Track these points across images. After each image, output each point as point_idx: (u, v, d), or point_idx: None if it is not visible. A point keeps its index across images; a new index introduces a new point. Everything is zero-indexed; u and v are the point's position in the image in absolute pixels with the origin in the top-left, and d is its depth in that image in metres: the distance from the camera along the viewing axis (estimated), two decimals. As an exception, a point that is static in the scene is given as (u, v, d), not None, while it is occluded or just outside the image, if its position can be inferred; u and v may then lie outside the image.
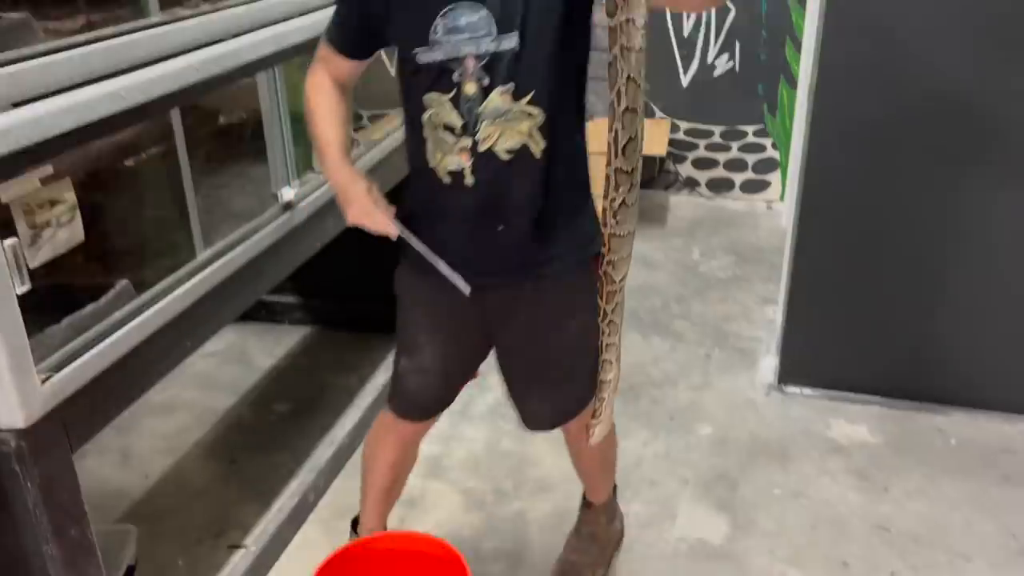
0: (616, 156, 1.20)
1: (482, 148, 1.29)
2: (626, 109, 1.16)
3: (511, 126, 1.27)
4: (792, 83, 3.48)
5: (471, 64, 1.25)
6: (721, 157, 3.74)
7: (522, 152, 1.29)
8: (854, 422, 2.19)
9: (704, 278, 3.07)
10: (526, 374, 1.50)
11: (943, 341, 2.18)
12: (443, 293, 1.34)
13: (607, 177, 1.23)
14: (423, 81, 1.29)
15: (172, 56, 1.33)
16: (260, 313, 2.64)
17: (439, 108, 1.29)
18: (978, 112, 1.96)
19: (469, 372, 1.54)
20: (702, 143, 3.73)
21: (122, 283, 1.31)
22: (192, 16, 1.41)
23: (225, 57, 1.44)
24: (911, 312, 2.17)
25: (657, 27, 3.56)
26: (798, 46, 3.34)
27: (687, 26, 3.55)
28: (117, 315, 1.27)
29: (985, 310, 2.12)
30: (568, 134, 1.34)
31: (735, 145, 3.69)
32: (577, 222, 1.38)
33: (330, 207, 1.88)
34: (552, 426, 1.55)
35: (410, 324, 1.50)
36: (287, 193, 1.68)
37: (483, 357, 1.52)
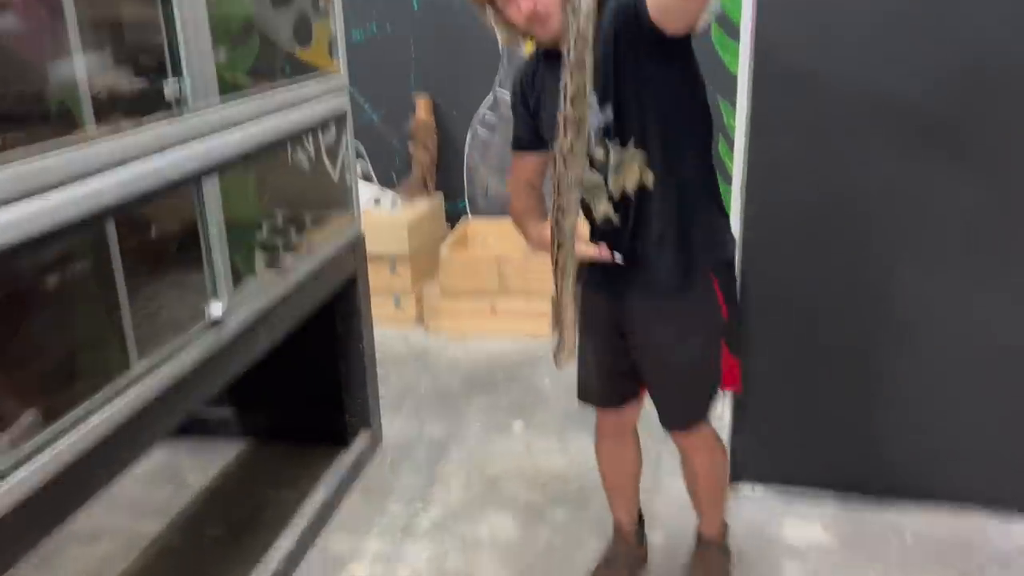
0: (566, 106, 1.37)
1: (616, 195, 1.59)
2: (572, 64, 1.35)
3: (628, 168, 1.58)
4: (728, 179, 3.56)
5: (594, 138, 1.56)
6: (664, 251, 3.77)
7: (641, 188, 1.59)
8: (808, 521, 2.15)
9: (652, 373, 3.05)
10: (648, 380, 1.77)
11: (893, 432, 2.16)
12: (598, 302, 1.72)
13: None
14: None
15: (92, 175, 1.29)
16: (193, 428, 2.53)
17: (588, 176, 1.57)
18: (905, 202, 2.00)
19: (626, 371, 1.77)
20: (644, 237, 3.77)
21: (29, 414, 1.23)
22: (117, 134, 1.37)
23: (145, 176, 1.40)
24: (860, 404, 2.16)
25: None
26: (731, 144, 3.43)
27: (624, 125, 3.63)
28: (27, 447, 1.19)
29: (932, 399, 2.12)
30: (674, 160, 1.60)
31: (677, 239, 3.74)
32: (697, 237, 1.63)
33: (262, 321, 1.82)
34: (668, 429, 1.79)
35: (581, 331, 1.76)
36: (215, 309, 1.63)
37: (635, 362, 1.76)
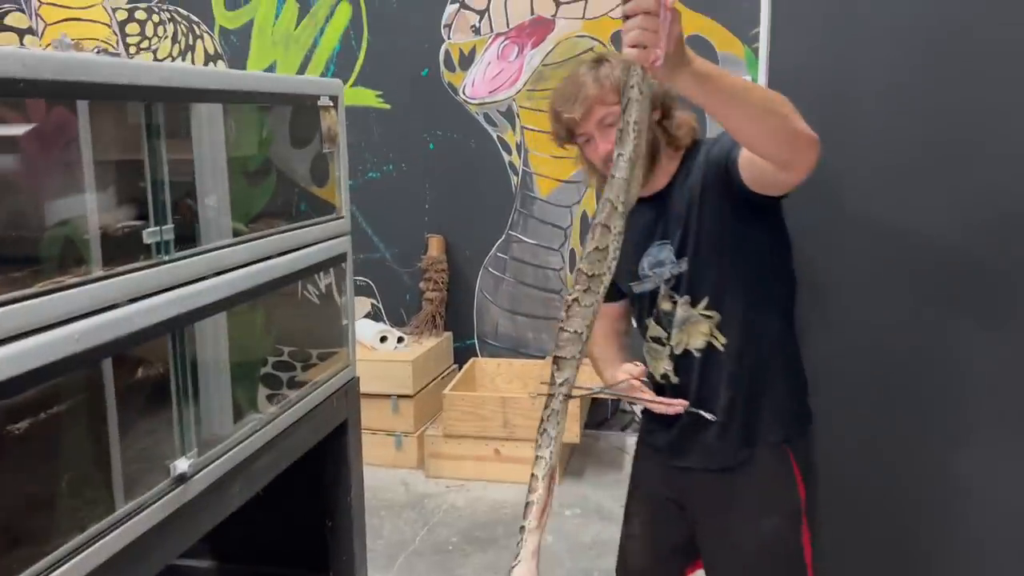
0: (582, 258, 1.27)
1: (678, 351, 1.55)
2: (599, 224, 1.23)
3: (695, 328, 1.52)
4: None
5: (662, 288, 1.54)
6: (677, 397, 3.64)
7: (708, 350, 1.53)
8: None
9: (663, 532, 2.86)
10: (710, 568, 1.59)
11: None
12: (653, 463, 1.62)
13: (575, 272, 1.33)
14: (640, 309, 1.62)
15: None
16: (167, 580, 2.36)
17: (652, 328, 1.59)
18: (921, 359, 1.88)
19: (679, 551, 1.62)
20: (658, 383, 3.65)
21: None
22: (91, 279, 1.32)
23: (115, 324, 1.34)
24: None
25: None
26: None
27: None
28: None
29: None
30: (752, 326, 1.53)
31: (691, 385, 3.61)
32: (770, 407, 1.53)
33: (233, 476, 1.71)
34: None
35: (630, 492, 1.72)
36: (181, 464, 1.52)
37: (690, 538, 1.61)
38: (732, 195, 1.45)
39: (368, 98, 3.76)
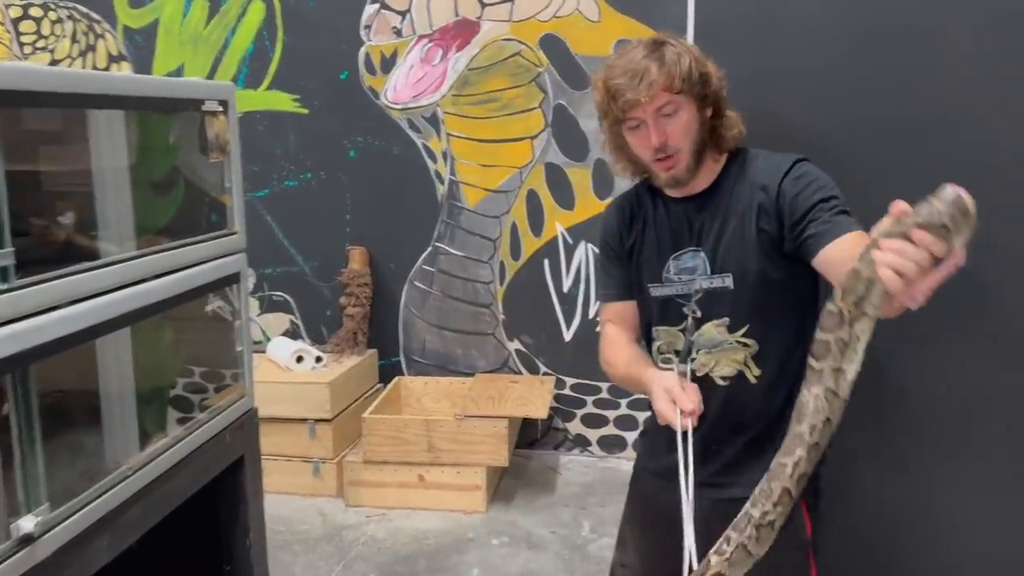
0: (790, 476, 1.11)
1: (700, 373, 1.49)
2: (815, 444, 1.11)
3: (727, 355, 1.47)
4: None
5: (692, 300, 1.48)
6: (611, 414, 3.51)
7: (737, 379, 1.48)
8: None
9: (595, 560, 2.71)
10: None
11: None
12: (662, 495, 1.47)
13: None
14: (651, 313, 1.56)
15: None
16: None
17: (669, 338, 1.53)
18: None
19: None
20: (590, 399, 3.52)
21: None
22: None
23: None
24: None
25: (537, 281, 3.45)
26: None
27: (567, 282, 3.45)
28: None
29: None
30: (784, 362, 1.46)
31: (624, 402, 3.48)
32: (775, 442, 1.34)
33: (98, 531, 1.50)
34: None
35: (625, 518, 1.67)
36: (26, 524, 1.31)
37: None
38: (793, 246, 1.39)
39: (284, 102, 3.55)
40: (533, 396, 3.19)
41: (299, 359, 3.29)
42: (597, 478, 3.34)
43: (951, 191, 0.97)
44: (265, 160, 3.58)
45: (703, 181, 1.51)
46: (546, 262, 3.44)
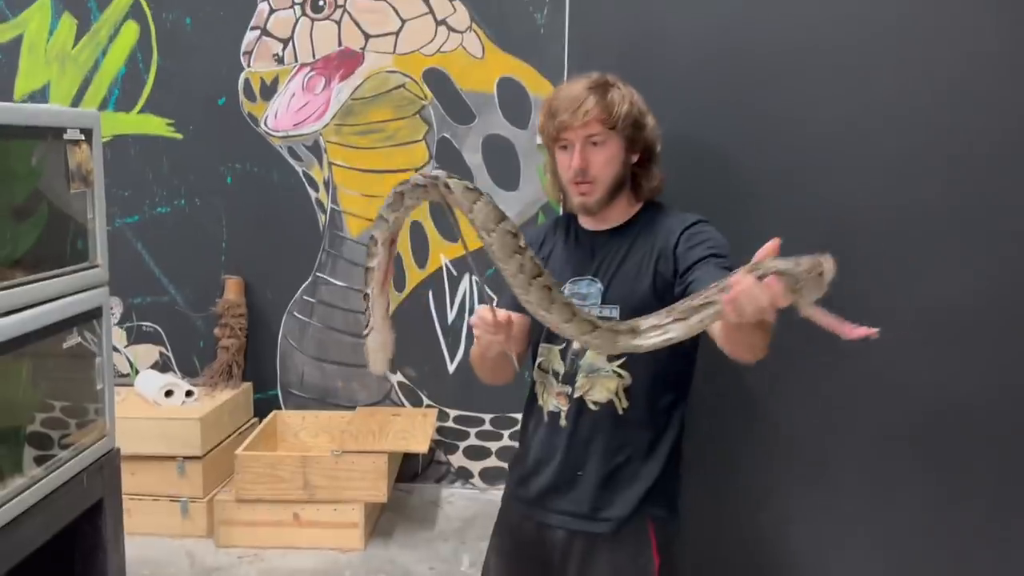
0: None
1: (576, 395, 1.56)
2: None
3: (602, 382, 1.53)
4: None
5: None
6: (493, 446, 3.52)
7: (608, 407, 1.54)
8: None
9: (473, 596, 2.70)
10: None
11: None
12: (527, 523, 1.61)
13: None
14: (540, 331, 1.61)
15: None
16: None
17: (550, 356, 1.61)
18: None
19: None
20: (472, 431, 3.52)
21: None
22: None
23: None
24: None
25: (421, 313, 3.44)
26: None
27: (451, 313, 3.45)
28: None
29: None
30: (653, 402, 1.55)
31: (506, 433, 3.50)
32: (647, 487, 1.52)
33: None
34: None
35: (490, 547, 1.71)
36: None
37: None
38: (680, 292, 1.47)
39: (157, 126, 3.42)
40: (415, 429, 3.17)
41: (168, 393, 3.15)
42: (479, 511, 3.33)
43: (817, 258, 1.10)
44: (136, 185, 3.44)
45: (615, 218, 1.62)
46: (430, 293, 3.44)
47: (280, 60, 3.34)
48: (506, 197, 3.28)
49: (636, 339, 1.27)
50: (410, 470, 3.47)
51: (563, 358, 1.59)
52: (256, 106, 3.39)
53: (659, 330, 1.25)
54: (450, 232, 3.36)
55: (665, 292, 1.51)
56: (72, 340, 1.82)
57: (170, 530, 3.01)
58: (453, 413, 3.50)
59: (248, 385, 3.47)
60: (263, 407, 3.51)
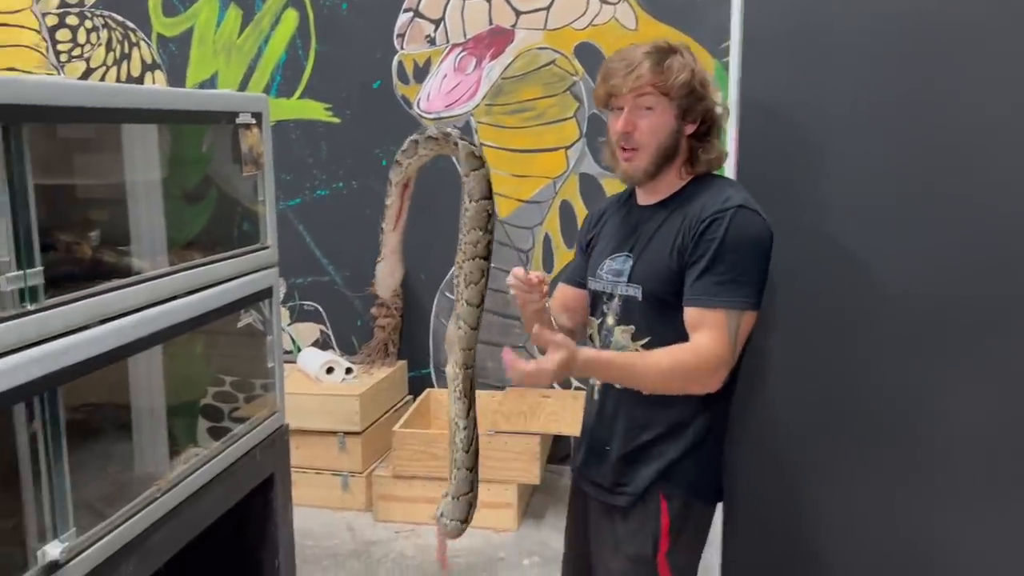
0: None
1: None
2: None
3: None
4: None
5: (614, 301, 1.54)
6: (645, 430, 3.44)
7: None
8: None
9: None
10: None
11: None
12: (577, 499, 1.69)
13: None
14: (589, 303, 1.65)
15: None
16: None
17: (592, 330, 1.63)
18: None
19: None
20: (624, 414, 3.45)
21: None
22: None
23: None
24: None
25: (571, 295, 3.38)
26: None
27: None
28: None
29: None
30: None
31: (659, 418, 3.40)
32: (664, 465, 1.51)
33: (125, 555, 1.46)
34: None
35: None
36: (52, 550, 1.28)
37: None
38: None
39: (316, 111, 3.52)
40: (565, 412, 3.13)
41: (329, 370, 3.26)
42: (630, 496, 3.27)
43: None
44: (297, 169, 3.56)
45: (663, 191, 1.55)
46: (580, 274, 3.38)
47: (432, 41, 3.36)
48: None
49: (451, 354, 1.39)
50: (561, 451, 3.44)
51: (599, 332, 1.60)
52: (409, 88, 3.42)
53: (454, 367, 1.39)
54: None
55: (677, 274, 1.48)
56: (246, 319, 1.88)
57: (331, 503, 3.11)
58: (604, 395, 3.44)
59: (403, 363, 3.53)
60: (417, 385, 3.57)
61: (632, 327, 1.52)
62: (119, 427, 1.69)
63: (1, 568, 1.24)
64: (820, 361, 1.77)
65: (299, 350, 3.56)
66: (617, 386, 1.55)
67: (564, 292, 1.73)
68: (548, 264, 3.39)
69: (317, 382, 3.24)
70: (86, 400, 1.93)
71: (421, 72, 3.40)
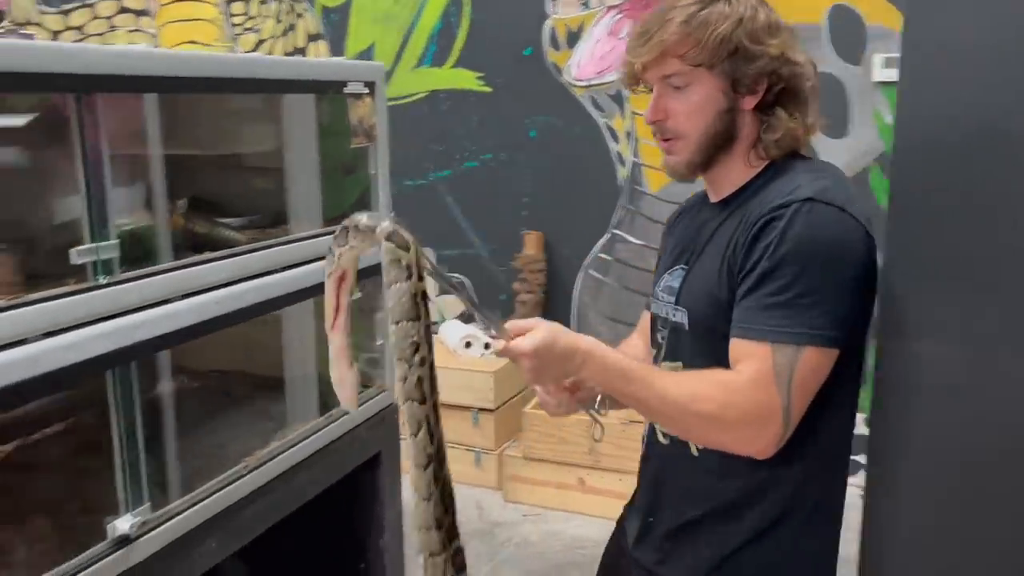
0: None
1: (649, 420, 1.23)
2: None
3: None
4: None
5: (667, 329, 1.20)
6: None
7: (679, 444, 1.17)
8: None
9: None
10: None
11: None
12: (612, 552, 1.36)
13: None
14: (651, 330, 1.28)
15: None
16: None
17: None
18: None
19: None
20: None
21: None
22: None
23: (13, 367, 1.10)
24: None
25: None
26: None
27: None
28: None
29: None
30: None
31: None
32: (722, 554, 1.14)
33: (206, 531, 1.46)
34: None
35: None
36: (122, 524, 1.28)
37: None
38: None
39: (468, 80, 3.46)
40: (710, 404, 2.91)
41: (467, 345, 3.22)
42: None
43: None
44: (448, 140, 3.52)
45: (726, 186, 1.18)
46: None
47: (586, 4, 3.18)
48: (831, 146, 2.83)
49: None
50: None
51: (655, 360, 1.26)
52: (560, 55, 3.27)
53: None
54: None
55: (728, 296, 1.10)
56: (355, 294, 1.83)
57: (465, 478, 3.08)
58: (757, 388, 3.18)
59: (544, 341, 3.43)
60: (558, 364, 3.46)
61: (679, 363, 1.18)
62: (219, 403, 1.70)
63: (74, 540, 1.25)
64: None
65: (443, 321, 3.55)
66: (663, 440, 1.21)
67: (644, 318, 1.39)
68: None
69: (455, 355, 3.21)
70: (212, 366, 1.98)
71: (573, 37, 3.24)
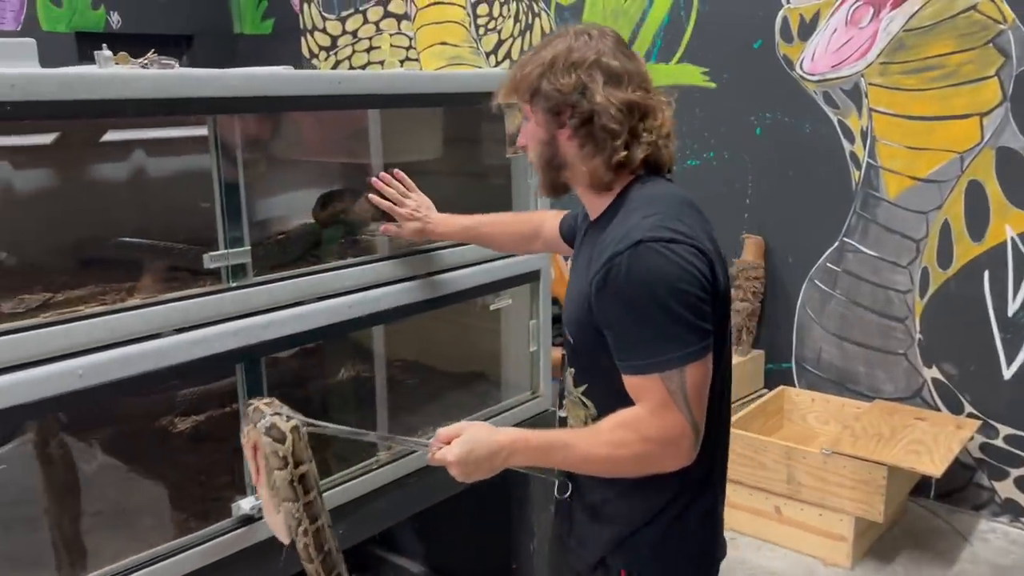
0: None
1: (563, 416, 1.39)
2: None
3: (574, 409, 1.31)
4: None
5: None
6: (1061, 482, 2.67)
7: (578, 423, 1.31)
8: None
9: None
10: None
11: None
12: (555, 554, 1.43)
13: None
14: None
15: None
16: None
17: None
18: None
19: None
20: (1032, 457, 2.71)
21: None
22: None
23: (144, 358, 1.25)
24: None
25: (971, 297, 2.74)
26: None
27: (1013, 303, 2.67)
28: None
29: None
30: None
31: (1083, 470, 2.61)
32: (622, 532, 1.25)
33: (347, 514, 1.56)
34: None
35: None
36: (246, 504, 1.40)
37: None
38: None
39: (693, 76, 3.32)
40: (936, 442, 2.56)
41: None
42: (1021, 560, 2.58)
43: None
44: (671, 137, 3.40)
45: (593, 208, 1.28)
46: (986, 274, 2.71)
47: (822, -9, 2.91)
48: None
49: None
50: (943, 486, 2.84)
51: (563, 373, 1.36)
52: (792, 47, 3.03)
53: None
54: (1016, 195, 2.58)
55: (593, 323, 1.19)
56: (501, 302, 1.85)
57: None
58: (1005, 431, 2.73)
59: (759, 353, 3.22)
60: (775, 379, 3.23)
61: (573, 369, 1.29)
62: (365, 397, 1.80)
63: (205, 516, 1.40)
64: None
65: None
66: (565, 416, 1.35)
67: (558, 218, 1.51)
68: (946, 257, 2.77)
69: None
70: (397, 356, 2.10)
71: (807, 28, 2.98)
